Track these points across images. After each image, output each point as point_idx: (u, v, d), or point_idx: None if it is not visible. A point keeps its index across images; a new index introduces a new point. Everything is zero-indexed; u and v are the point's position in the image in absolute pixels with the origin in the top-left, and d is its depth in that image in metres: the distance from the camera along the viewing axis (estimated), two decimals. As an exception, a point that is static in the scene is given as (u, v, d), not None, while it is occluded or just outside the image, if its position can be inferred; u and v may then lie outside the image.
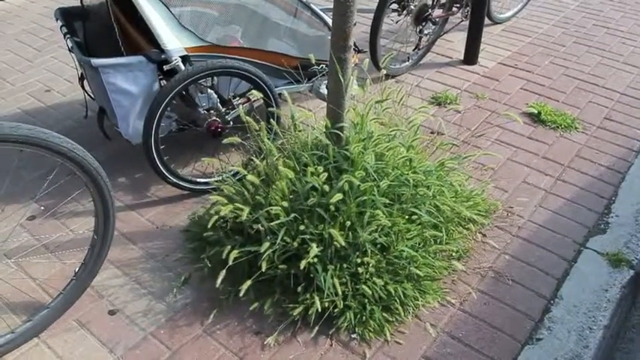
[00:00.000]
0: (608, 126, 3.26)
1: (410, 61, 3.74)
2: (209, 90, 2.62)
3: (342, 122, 2.18)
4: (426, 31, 3.71)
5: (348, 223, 2.03)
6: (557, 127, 3.20)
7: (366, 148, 2.19)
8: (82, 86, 2.80)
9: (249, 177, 2.09)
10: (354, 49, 2.97)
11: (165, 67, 2.42)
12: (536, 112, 3.29)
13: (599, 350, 2.00)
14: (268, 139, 2.24)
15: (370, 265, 2.05)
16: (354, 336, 2.01)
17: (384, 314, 2.04)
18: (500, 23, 4.56)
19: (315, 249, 1.95)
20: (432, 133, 3.06)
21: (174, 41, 2.41)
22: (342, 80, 2.09)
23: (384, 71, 2.68)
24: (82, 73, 2.77)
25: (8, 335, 1.90)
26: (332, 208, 2.02)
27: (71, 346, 1.95)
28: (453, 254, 2.31)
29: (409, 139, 2.37)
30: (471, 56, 3.85)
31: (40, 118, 3.16)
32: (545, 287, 2.23)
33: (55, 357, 1.91)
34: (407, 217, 2.18)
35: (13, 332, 1.91)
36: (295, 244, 2.01)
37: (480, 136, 3.08)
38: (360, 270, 2.04)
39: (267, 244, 1.98)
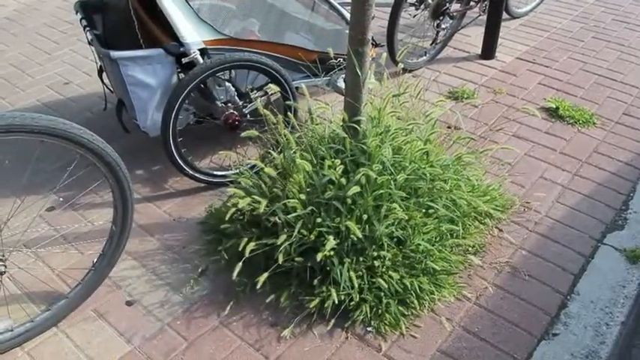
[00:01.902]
0: (626, 122, 3.23)
1: (427, 55, 3.73)
2: (227, 83, 2.64)
3: (360, 116, 2.18)
4: (443, 26, 3.70)
5: (365, 216, 2.03)
6: (575, 122, 3.18)
7: (384, 142, 2.19)
8: (101, 79, 2.82)
9: (267, 169, 2.10)
10: (371, 43, 2.97)
11: (184, 60, 2.43)
12: (554, 107, 3.27)
13: (615, 346, 1.99)
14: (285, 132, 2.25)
15: (386, 258, 2.05)
16: (369, 329, 2.01)
17: (400, 308, 2.04)
18: (518, 18, 4.53)
19: (331, 242, 1.95)
20: (448, 127, 3.05)
21: (192, 34, 2.42)
22: (360, 74, 2.09)
23: (401, 65, 2.68)
24: (101, 66, 2.79)
25: (28, 324, 1.93)
26: (349, 201, 2.03)
27: (89, 336, 1.98)
28: (470, 249, 2.31)
29: (426, 133, 2.36)
30: (488, 51, 3.83)
31: (59, 111, 3.19)
32: (561, 283, 2.22)
33: (73, 346, 1.94)
34: (424, 210, 2.18)
35: (32, 321, 1.94)
36: (312, 236, 2.02)
37: (497, 131, 3.07)
38: (377, 263, 2.04)
39: (283, 237, 1.99)
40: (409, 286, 2.04)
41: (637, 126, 3.19)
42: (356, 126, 2.17)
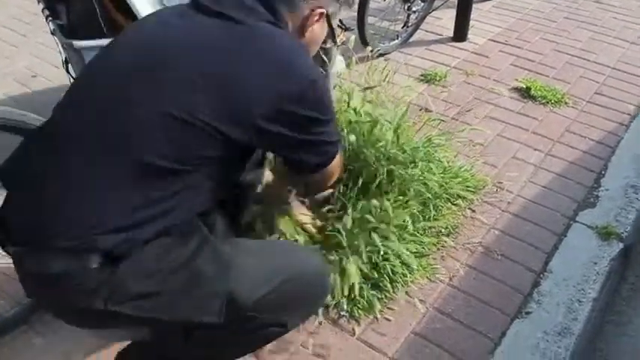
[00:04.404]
0: (598, 100, 3.24)
1: (399, 39, 3.71)
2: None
3: None
4: (414, 9, 3.68)
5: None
6: (547, 102, 3.18)
7: (354, 129, 2.17)
8: (67, 70, 2.76)
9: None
10: (340, 26, 2.94)
11: (149, 48, 2.38)
12: (526, 87, 3.27)
13: (588, 323, 2.00)
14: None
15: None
16: (343, 313, 2.00)
17: (373, 292, 2.03)
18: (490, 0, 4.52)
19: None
20: (420, 110, 3.04)
21: (156, 21, 2.37)
22: (327, 60, 2.06)
23: (369, 48, 2.66)
24: (66, 57, 2.73)
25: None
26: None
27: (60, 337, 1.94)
28: (442, 230, 2.30)
29: (396, 118, 2.34)
30: (460, 33, 3.82)
31: (25, 104, 3.12)
32: (534, 261, 2.22)
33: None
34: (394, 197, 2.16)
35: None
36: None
37: (468, 112, 3.06)
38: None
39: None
40: (382, 269, 2.03)
41: (609, 105, 3.20)
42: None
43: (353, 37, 2.53)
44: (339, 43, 2.10)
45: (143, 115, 1.20)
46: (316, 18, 1.39)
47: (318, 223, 2.05)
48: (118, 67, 1.28)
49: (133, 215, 1.20)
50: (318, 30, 1.44)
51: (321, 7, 1.39)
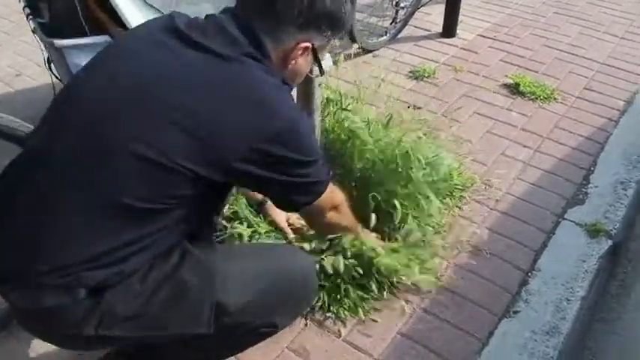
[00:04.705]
0: (587, 96, 3.22)
1: (387, 35, 3.67)
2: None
3: (313, 116, 2.11)
4: (402, 4, 3.65)
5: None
6: (536, 98, 3.16)
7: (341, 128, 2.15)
8: (50, 69, 2.72)
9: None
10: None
11: (131, 47, 2.34)
12: (515, 83, 3.25)
13: (576, 321, 1.98)
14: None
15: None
16: (328, 314, 1.97)
17: (359, 292, 2.00)
18: (479, -5, 4.49)
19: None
20: (409, 107, 3.01)
21: (139, 20, 2.33)
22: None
23: (355, 46, 2.62)
24: (48, 56, 2.69)
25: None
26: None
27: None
28: (430, 229, 2.27)
29: (385, 117, 2.31)
30: (449, 29, 3.79)
31: (7, 104, 3.08)
32: (522, 260, 2.20)
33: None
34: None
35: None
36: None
37: (457, 109, 3.03)
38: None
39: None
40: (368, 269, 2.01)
41: (598, 100, 3.18)
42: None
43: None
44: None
45: (118, 157, 1.17)
46: (300, 52, 1.34)
47: (297, 224, 2.03)
48: (94, 99, 1.24)
49: (118, 252, 1.19)
50: (302, 63, 1.38)
51: (306, 41, 1.33)
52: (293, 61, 1.35)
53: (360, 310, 1.96)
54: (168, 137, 1.16)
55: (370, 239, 1.95)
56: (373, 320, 1.96)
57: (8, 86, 3.29)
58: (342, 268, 1.86)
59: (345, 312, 1.96)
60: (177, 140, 1.16)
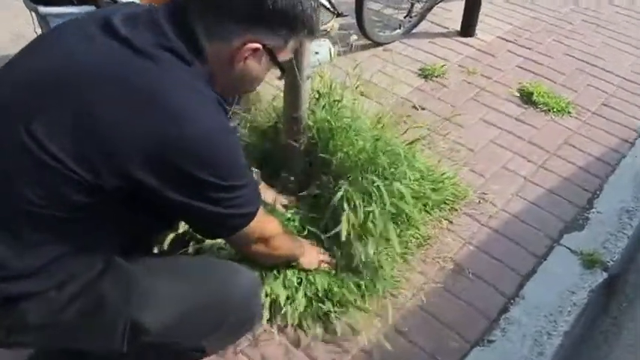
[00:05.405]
0: (604, 113, 3.03)
1: (401, 28, 3.49)
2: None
3: (300, 110, 1.96)
4: (420, -3, 3.47)
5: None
6: (549, 110, 2.98)
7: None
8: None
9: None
10: (330, 9, 2.75)
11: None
12: (529, 92, 3.06)
13: (554, 358, 1.83)
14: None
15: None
16: (290, 322, 1.83)
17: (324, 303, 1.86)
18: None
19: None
20: (413, 107, 2.85)
21: (128, -11, 2.21)
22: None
23: (354, 37, 2.46)
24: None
25: None
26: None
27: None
28: (412, 240, 2.13)
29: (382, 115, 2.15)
30: (467, 28, 3.60)
31: None
32: (507, 284, 2.05)
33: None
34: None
35: None
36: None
37: (463, 114, 2.86)
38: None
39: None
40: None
41: (614, 118, 2.99)
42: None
43: (336, 24, 2.34)
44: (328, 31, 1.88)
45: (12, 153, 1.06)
46: (248, 53, 1.17)
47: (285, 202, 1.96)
48: (14, 86, 1.12)
49: (35, 265, 1.11)
50: (252, 65, 1.21)
51: (255, 42, 1.16)
52: (240, 63, 1.19)
53: (324, 320, 1.83)
54: (60, 134, 1.04)
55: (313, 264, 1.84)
56: (337, 333, 1.82)
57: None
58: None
59: (308, 322, 1.83)
60: (67, 139, 1.03)
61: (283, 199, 2.04)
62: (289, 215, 1.98)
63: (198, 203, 1.13)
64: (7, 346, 1.25)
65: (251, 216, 1.25)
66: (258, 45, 1.17)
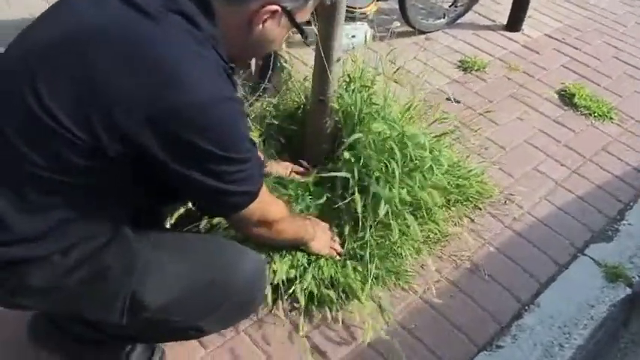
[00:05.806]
0: (648, 122, 2.91)
1: (445, 17, 3.40)
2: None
3: (328, 92, 1.92)
4: (466, -14, 3.37)
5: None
6: (590, 114, 2.87)
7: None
8: None
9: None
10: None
11: None
12: (570, 93, 2.95)
13: (564, 372, 1.77)
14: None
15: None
16: (296, 305, 1.81)
17: (331, 290, 1.82)
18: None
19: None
20: (447, 99, 2.78)
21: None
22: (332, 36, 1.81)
23: (396, 24, 2.39)
24: None
25: None
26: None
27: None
28: (431, 236, 2.08)
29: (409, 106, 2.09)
30: (514, 22, 3.48)
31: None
32: (523, 290, 1.98)
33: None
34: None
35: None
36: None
37: (499, 110, 2.77)
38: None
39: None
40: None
41: (659, 128, 2.86)
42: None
43: (375, 7, 2.28)
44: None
45: (21, 121, 1.05)
46: (267, 15, 1.14)
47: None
48: (24, 51, 1.10)
49: (39, 225, 1.10)
50: (271, 29, 1.18)
51: (273, 4, 1.13)
52: (259, 26, 1.15)
53: (330, 309, 1.80)
54: (61, 93, 1.02)
55: (322, 252, 1.80)
56: (341, 322, 1.78)
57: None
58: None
59: (314, 307, 1.81)
60: (66, 97, 1.02)
61: (299, 168, 2.01)
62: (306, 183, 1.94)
63: (199, 175, 1.10)
64: (11, 306, 1.26)
65: (252, 195, 1.22)
66: (276, 7, 1.14)
